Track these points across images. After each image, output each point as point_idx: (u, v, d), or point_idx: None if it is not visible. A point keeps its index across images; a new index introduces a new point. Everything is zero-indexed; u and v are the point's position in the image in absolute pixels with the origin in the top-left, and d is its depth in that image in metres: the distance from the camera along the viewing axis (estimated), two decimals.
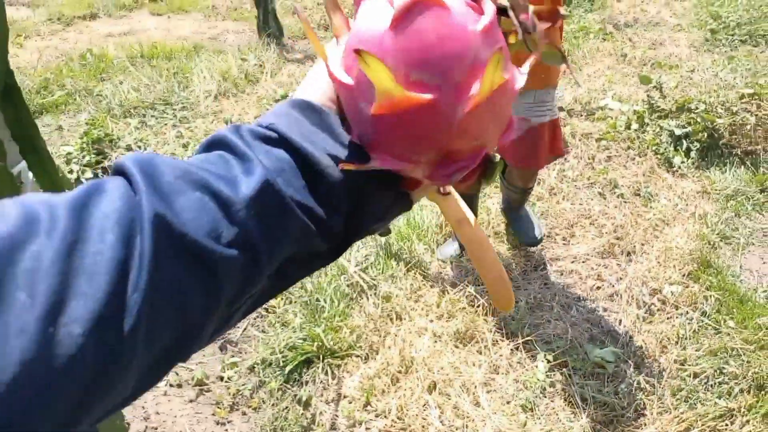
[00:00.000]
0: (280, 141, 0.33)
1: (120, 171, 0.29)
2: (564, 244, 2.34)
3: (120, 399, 0.27)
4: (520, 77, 0.36)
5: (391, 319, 1.91)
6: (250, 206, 0.30)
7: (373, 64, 0.30)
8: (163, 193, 0.28)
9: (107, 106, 3.64)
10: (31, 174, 0.97)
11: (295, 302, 1.97)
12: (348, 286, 2.03)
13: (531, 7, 0.36)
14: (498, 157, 0.37)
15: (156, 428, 1.64)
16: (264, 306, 2.01)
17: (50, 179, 0.96)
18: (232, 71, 4.19)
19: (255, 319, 2.00)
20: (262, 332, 1.93)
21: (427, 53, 0.31)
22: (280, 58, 4.69)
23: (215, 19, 6.58)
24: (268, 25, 5.08)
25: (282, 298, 2.00)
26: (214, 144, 0.33)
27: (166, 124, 3.52)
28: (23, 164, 1.02)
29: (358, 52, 0.30)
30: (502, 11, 0.36)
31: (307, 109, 0.34)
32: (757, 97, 3.20)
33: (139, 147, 2.76)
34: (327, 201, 0.33)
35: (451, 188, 0.50)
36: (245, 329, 1.95)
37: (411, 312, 1.93)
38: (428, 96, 0.31)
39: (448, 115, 0.32)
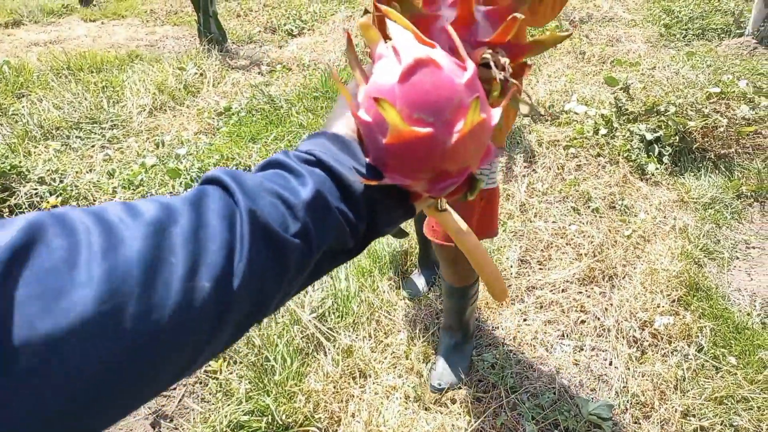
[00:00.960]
0: (318, 163, 0.43)
1: (212, 181, 0.39)
2: (540, 269, 2.12)
3: (217, 350, 0.36)
4: (495, 115, 0.46)
5: (353, 378, 1.64)
6: (306, 208, 0.39)
7: (387, 107, 0.39)
8: (250, 195, 0.37)
9: (24, 127, 3.23)
10: None
11: (240, 362, 1.67)
12: (302, 338, 1.75)
13: (507, 60, 0.46)
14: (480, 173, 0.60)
15: None
16: (203, 368, 1.71)
17: None
18: (169, 82, 3.82)
19: (194, 385, 1.69)
20: (202, 402, 1.63)
21: (425, 99, 0.41)
22: (223, 65, 4.33)
23: (153, 24, 6.12)
24: (210, 29, 4.69)
25: (225, 358, 1.70)
26: (270, 164, 0.43)
27: (93, 146, 3.14)
28: None
29: (376, 99, 0.39)
30: (486, 65, 0.47)
31: (336, 139, 0.45)
32: (724, 97, 3.09)
33: (54, 179, 2.38)
34: (353, 208, 0.42)
35: (446, 205, 0.60)
36: (181, 400, 1.65)
37: (377, 366, 1.67)
38: (426, 130, 0.41)
39: (440, 144, 0.42)
